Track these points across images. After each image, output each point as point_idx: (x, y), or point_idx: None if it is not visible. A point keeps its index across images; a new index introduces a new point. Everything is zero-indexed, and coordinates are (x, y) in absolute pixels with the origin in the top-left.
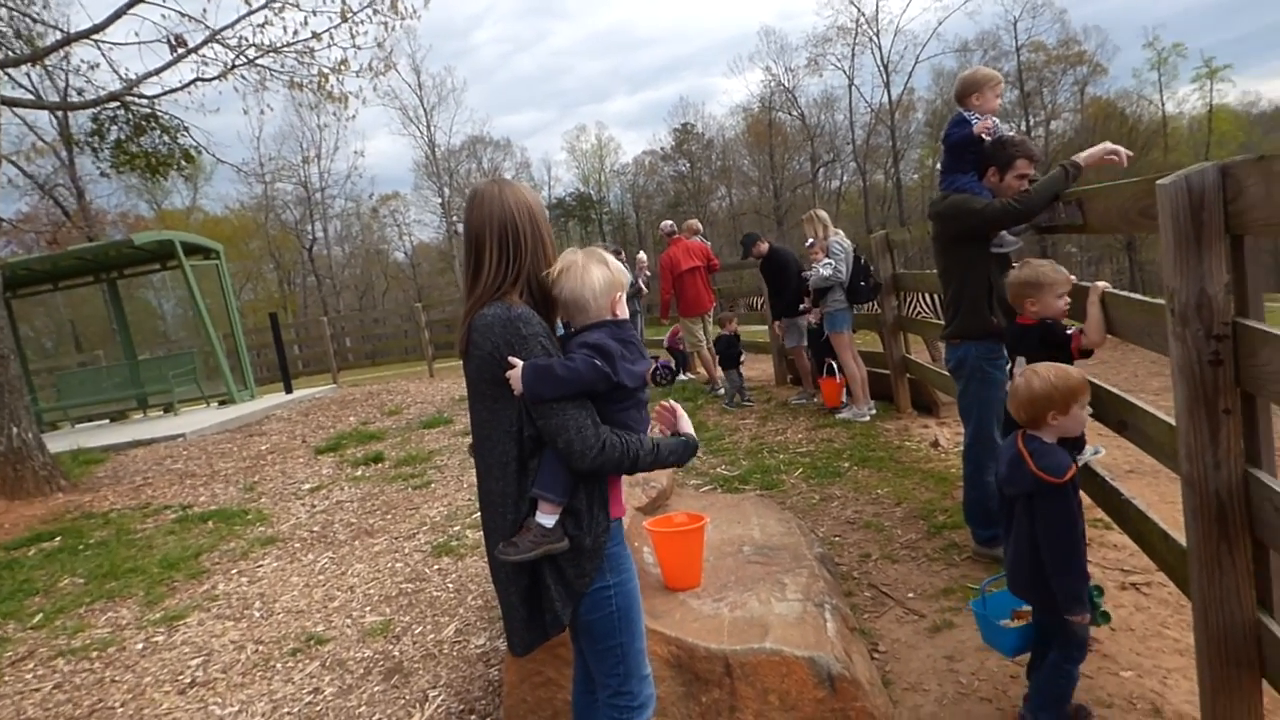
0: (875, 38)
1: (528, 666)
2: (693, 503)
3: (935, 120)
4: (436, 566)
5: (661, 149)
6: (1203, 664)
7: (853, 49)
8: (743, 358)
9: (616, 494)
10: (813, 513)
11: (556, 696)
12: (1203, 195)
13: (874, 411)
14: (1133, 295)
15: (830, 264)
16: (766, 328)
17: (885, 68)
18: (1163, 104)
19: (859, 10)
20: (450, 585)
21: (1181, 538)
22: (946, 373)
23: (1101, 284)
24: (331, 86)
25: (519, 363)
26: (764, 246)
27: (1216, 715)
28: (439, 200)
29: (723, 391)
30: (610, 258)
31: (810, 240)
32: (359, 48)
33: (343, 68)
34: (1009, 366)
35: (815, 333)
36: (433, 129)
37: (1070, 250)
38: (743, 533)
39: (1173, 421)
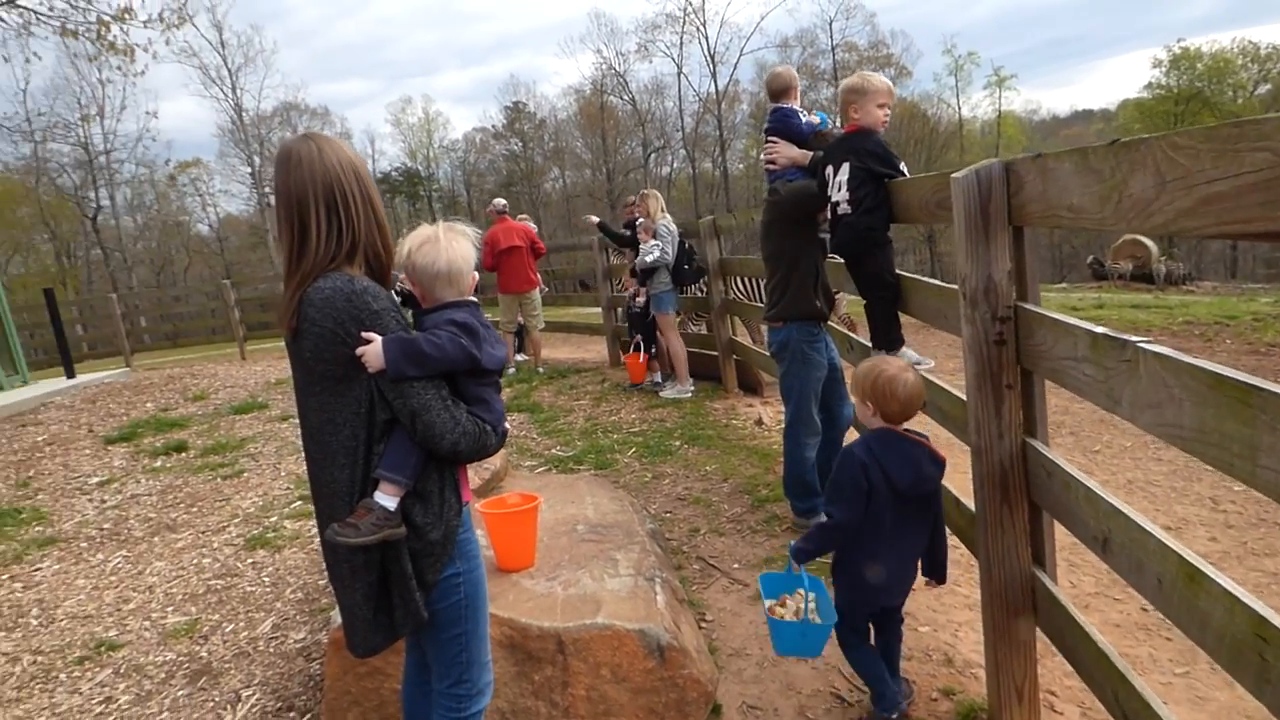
0: (702, 28)
1: (352, 657)
2: (527, 484)
3: (758, 112)
4: (250, 560)
5: (493, 127)
6: (987, 615)
7: (681, 37)
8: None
9: (464, 477)
10: (645, 490)
11: (384, 686)
12: (990, 188)
13: (693, 388)
14: (931, 280)
15: (658, 245)
16: (601, 309)
17: (712, 58)
18: (959, 108)
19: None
20: (266, 579)
21: (970, 504)
22: (769, 354)
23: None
24: (114, 37)
25: (376, 338)
26: None
27: (998, 659)
28: (248, 170)
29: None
30: (470, 231)
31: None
32: None
33: (127, 15)
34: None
35: (640, 313)
36: (239, 92)
37: None
38: (577, 512)
39: (964, 396)
